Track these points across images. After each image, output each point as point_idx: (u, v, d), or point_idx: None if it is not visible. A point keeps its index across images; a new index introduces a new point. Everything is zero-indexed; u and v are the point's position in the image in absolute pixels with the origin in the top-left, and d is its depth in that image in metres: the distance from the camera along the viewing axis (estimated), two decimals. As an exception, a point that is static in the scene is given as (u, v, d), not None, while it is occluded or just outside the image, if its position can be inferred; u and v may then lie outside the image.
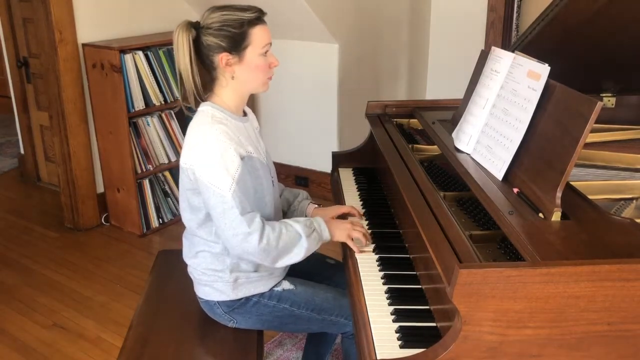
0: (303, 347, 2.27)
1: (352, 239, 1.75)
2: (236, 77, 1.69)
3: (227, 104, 1.72)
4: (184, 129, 3.73)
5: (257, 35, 1.66)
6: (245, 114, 1.80)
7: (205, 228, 1.74)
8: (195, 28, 1.66)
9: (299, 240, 1.68)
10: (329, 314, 1.78)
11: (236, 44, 1.65)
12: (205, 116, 1.67)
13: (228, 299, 1.75)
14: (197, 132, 1.66)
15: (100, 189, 3.66)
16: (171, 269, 2.09)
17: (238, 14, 1.64)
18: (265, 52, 1.69)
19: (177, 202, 3.70)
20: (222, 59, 1.66)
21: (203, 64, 1.71)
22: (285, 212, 1.99)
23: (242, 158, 1.64)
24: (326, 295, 1.80)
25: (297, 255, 1.69)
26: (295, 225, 1.69)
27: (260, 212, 1.71)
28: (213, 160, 1.60)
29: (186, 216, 1.77)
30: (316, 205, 1.98)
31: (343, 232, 1.75)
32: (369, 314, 1.46)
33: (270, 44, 1.70)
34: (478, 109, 1.77)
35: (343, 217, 1.94)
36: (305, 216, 1.97)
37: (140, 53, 3.34)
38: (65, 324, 2.71)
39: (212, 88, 1.73)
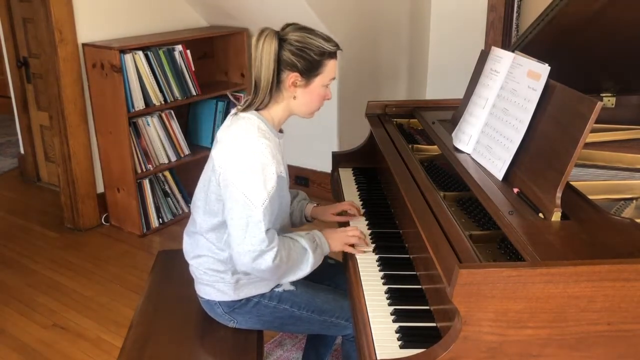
0: (303, 347, 2.27)
1: (349, 246, 1.76)
2: (297, 98, 1.70)
3: (272, 119, 1.72)
4: (184, 128, 3.74)
5: (329, 68, 1.69)
6: (281, 130, 1.80)
7: (217, 233, 1.73)
8: (277, 39, 1.64)
9: (305, 255, 1.70)
10: (330, 316, 1.78)
11: (311, 69, 1.66)
12: (251, 126, 1.65)
13: (229, 299, 1.75)
14: (243, 140, 1.64)
15: (100, 189, 3.66)
16: (171, 269, 2.09)
17: (321, 42, 1.66)
18: (327, 85, 1.71)
19: (178, 202, 3.70)
20: (291, 78, 1.66)
21: None
22: None
23: (277, 176, 1.64)
24: (327, 296, 1.80)
25: (303, 271, 1.71)
26: (301, 240, 1.70)
27: (273, 227, 1.72)
28: (254, 173, 1.59)
29: (200, 216, 1.75)
30: (315, 205, 1.99)
31: (338, 242, 1.77)
32: (369, 314, 1.46)
33: (334, 78, 1.72)
34: (478, 109, 1.77)
35: (343, 222, 1.95)
36: (304, 215, 1.98)
37: (140, 53, 3.34)
38: (65, 324, 2.71)
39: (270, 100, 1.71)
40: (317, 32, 1.68)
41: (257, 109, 1.70)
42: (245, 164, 1.60)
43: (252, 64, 1.68)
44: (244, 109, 1.70)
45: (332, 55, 1.69)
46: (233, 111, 1.74)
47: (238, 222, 1.60)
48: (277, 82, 1.67)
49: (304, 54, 1.64)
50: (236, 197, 1.60)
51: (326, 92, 1.73)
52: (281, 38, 1.64)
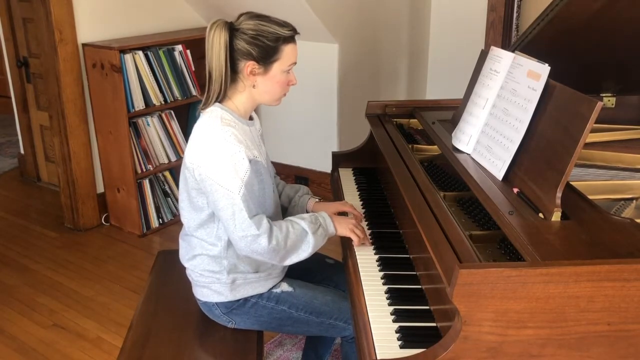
0: (303, 347, 2.27)
1: (354, 233, 1.76)
2: (256, 86, 1.70)
3: (237, 108, 1.72)
4: (184, 128, 3.73)
5: (287, 53, 1.67)
6: (251, 117, 1.80)
7: (206, 229, 1.74)
8: (229, 29, 1.64)
9: (305, 237, 1.69)
10: (328, 317, 1.77)
11: (266, 56, 1.65)
12: (214, 117, 1.66)
13: (226, 300, 1.75)
14: (207, 132, 1.65)
15: (100, 189, 3.66)
16: (171, 269, 2.09)
17: (275, 27, 1.65)
18: (289, 70, 1.70)
19: (178, 202, 3.69)
20: (248, 66, 1.65)
21: None
22: (287, 207, 1.99)
23: (249, 161, 1.64)
24: (325, 298, 1.79)
25: (305, 252, 1.70)
26: (301, 222, 1.70)
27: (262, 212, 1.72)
28: (223, 162, 1.60)
29: (186, 215, 1.76)
30: (317, 200, 1.98)
31: (346, 227, 1.76)
32: (369, 314, 1.46)
33: (295, 63, 1.71)
34: (478, 109, 1.77)
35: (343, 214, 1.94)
36: (306, 211, 1.97)
37: (140, 53, 3.34)
38: (65, 324, 2.71)
39: (226, 90, 1.72)
40: (272, 18, 1.67)
41: (219, 101, 1.70)
42: (213, 155, 1.61)
43: (205, 55, 1.67)
44: (205, 105, 1.70)
45: (289, 40, 1.67)
46: (198, 110, 1.74)
47: (225, 212, 1.62)
48: (234, 72, 1.67)
49: (257, 42, 1.63)
50: (215, 189, 1.61)
51: (289, 78, 1.72)
52: (235, 28, 1.64)
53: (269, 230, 1.63)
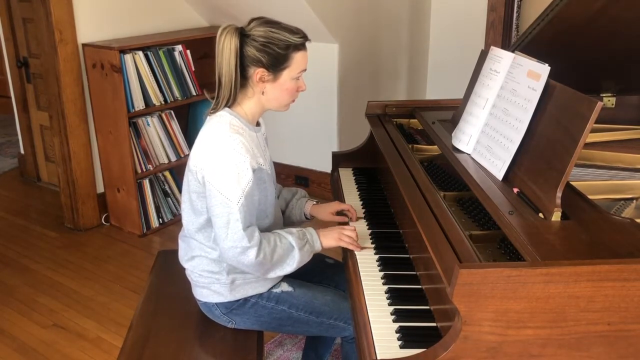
0: (303, 347, 2.26)
1: (343, 241, 1.75)
2: (265, 93, 1.69)
3: (246, 114, 1.72)
4: (184, 129, 3.74)
5: (297, 60, 1.66)
6: (258, 123, 1.80)
7: (204, 232, 1.73)
8: (240, 34, 1.62)
9: (291, 252, 1.69)
10: (328, 317, 1.77)
11: (276, 63, 1.64)
12: (223, 123, 1.65)
13: (226, 300, 1.75)
14: (214, 138, 1.64)
15: (100, 189, 3.66)
16: (171, 269, 2.09)
17: (286, 35, 1.64)
18: (298, 77, 1.70)
19: (178, 202, 3.70)
20: (257, 73, 1.65)
21: None
22: (284, 210, 1.99)
23: (253, 171, 1.63)
24: (325, 298, 1.79)
25: (290, 266, 1.70)
26: (289, 237, 1.70)
27: (260, 222, 1.72)
28: (227, 169, 1.60)
29: (186, 217, 1.76)
30: (314, 202, 1.99)
31: (332, 239, 1.76)
32: (369, 314, 1.46)
33: (305, 70, 1.70)
34: (478, 109, 1.77)
35: (341, 213, 1.95)
36: (304, 214, 1.98)
37: (140, 53, 3.34)
38: (65, 324, 2.71)
39: (236, 96, 1.71)
40: (283, 25, 1.66)
41: (228, 106, 1.69)
42: (218, 162, 1.61)
43: (215, 61, 1.66)
44: (214, 109, 1.70)
45: (299, 47, 1.66)
46: (206, 113, 1.74)
47: (220, 219, 1.61)
48: (244, 78, 1.66)
49: (268, 49, 1.62)
50: (214, 195, 1.61)
51: (298, 85, 1.71)
52: (245, 34, 1.63)
53: (259, 243, 1.63)
